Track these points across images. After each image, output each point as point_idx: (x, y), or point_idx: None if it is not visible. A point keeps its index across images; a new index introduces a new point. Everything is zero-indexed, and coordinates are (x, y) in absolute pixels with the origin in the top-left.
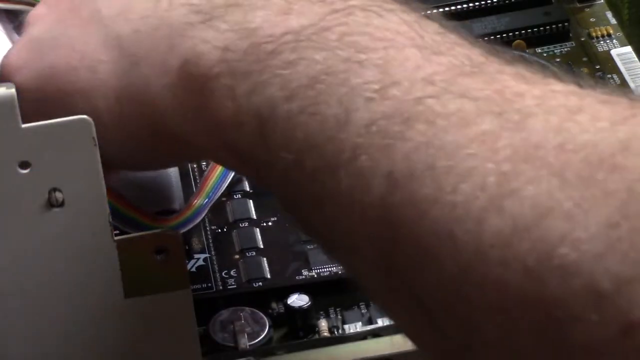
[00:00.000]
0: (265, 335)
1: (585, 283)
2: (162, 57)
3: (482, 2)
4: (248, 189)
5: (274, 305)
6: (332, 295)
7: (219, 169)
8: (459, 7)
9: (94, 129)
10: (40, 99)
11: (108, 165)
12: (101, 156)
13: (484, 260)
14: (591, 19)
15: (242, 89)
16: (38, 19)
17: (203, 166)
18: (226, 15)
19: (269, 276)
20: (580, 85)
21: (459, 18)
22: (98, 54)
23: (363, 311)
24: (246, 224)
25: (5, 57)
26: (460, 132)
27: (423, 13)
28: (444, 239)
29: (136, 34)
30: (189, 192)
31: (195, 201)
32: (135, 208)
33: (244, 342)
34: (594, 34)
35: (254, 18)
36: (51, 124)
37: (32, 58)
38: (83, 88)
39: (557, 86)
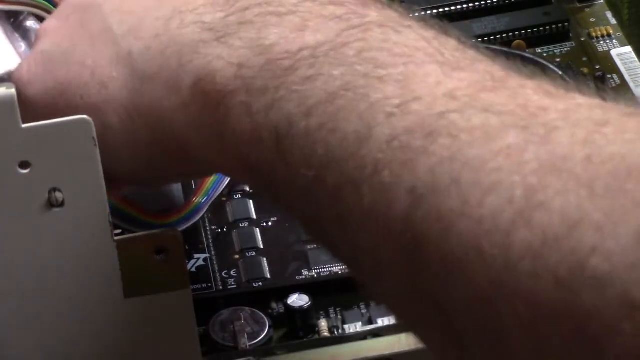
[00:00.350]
0: (265, 335)
1: (618, 294)
2: (173, 74)
3: (482, 2)
4: (248, 189)
5: (274, 305)
6: (332, 295)
7: None
8: (459, 7)
9: (94, 129)
10: (52, 113)
11: (117, 180)
12: (111, 171)
13: (514, 273)
14: (591, 19)
15: (259, 105)
16: (49, 32)
17: None
18: (239, 32)
19: (269, 276)
20: (604, 99)
21: (459, 18)
22: (109, 70)
23: (363, 311)
24: (246, 224)
25: (17, 70)
26: (485, 146)
27: (440, 28)
28: (472, 253)
29: (147, 51)
30: (189, 192)
31: (195, 199)
32: (133, 205)
33: (244, 342)
34: (594, 34)
35: (268, 35)
36: (51, 124)
37: (43, 72)
38: (94, 104)
39: (581, 100)
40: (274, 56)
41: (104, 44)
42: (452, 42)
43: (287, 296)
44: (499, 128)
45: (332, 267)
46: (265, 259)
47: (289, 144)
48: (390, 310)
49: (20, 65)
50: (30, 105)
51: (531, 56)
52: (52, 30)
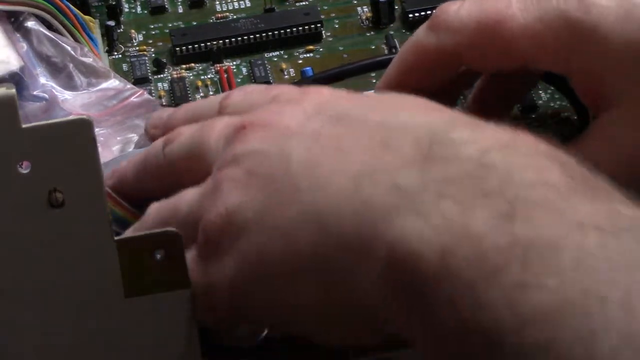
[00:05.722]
0: (266, 336)
1: None
2: (365, 242)
3: None
4: None
5: None
6: None
7: None
8: None
9: (93, 129)
10: (249, 284)
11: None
12: (299, 331)
13: None
14: None
15: (465, 302)
16: (235, 183)
17: None
18: (440, 207)
19: None
20: None
21: None
22: (300, 234)
23: None
24: None
25: (206, 226)
26: None
27: None
28: None
29: (337, 214)
30: None
31: None
32: (129, 210)
33: (244, 342)
34: None
35: (473, 220)
36: (51, 124)
37: (239, 239)
38: (288, 272)
39: None
40: (482, 249)
41: (292, 203)
42: None
43: None
44: None
45: None
46: None
47: (501, 356)
48: None
49: (208, 223)
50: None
51: None
52: (239, 183)
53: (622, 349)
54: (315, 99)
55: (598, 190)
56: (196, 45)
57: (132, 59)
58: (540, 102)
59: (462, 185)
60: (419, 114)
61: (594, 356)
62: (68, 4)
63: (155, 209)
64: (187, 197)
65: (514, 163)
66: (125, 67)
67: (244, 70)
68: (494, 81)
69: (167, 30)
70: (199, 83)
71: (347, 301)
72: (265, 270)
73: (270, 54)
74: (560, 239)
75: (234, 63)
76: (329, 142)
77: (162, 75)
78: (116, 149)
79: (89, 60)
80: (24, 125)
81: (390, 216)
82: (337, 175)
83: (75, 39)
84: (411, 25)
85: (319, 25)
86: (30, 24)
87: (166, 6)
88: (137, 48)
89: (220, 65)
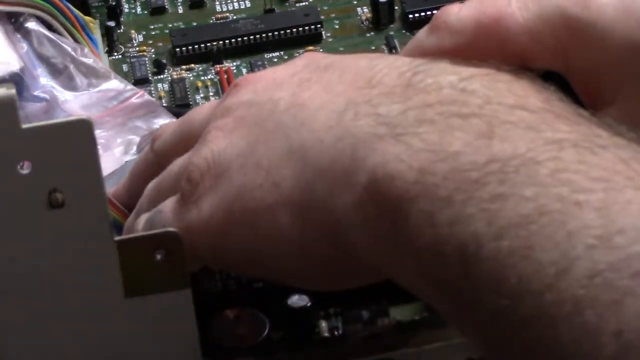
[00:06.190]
0: (265, 336)
1: None
2: (347, 170)
3: None
4: None
5: (274, 305)
6: (332, 295)
7: None
8: None
9: (93, 129)
10: (227, 222)
11: (283, 283)
12: (283, 278)
13: None
14: None
15: (442, 217)
16: (223, 131)
17: None
18: (419, 131)
19: None
20: None
21: None
22: (282, 167)
23: (363, 311)
24: None
25: (190, 169)
26: None
27: (636, 147)
28: None
29: (319, 144)
30: None
31: None
32: (127, 215)
33: (244, 342)
34: None
35: (453, 140)
36: (51, 125)
37: (221, 179)
38: (268, 205)
39: None
40: (459, 166)
41: (276, 140)
42: None
43: (287, 296)
44: None
45: None
46: None
47: (477, 265)
48: None
49: (191, 163)
50: (202, 213)
51: None
52: (228, 131)
53: (597, 247)
54: (306, 56)
55: (577, 117)
56: (196, 46)
57: (132, 60)
58: None
59: (442, 109)
60: (404, 58)
61: (569, 257)
62: (68, 4)
63: (150, 183)
64: (179, 160)
65: (494, 89)
66: (125, 67)
67: (244, 71)
68: None
69: (167, 31)
70: (199, 84)
71: (325, 228)
72: (244, 206)
73: (271, 55)
74: (537, 154)
75: (234, 64)
76: (316, 86)
77: (162, 76)
78: (118, 151)
79: (89, 60)
80: (24, 126)
81: (370, 143)
82: (322, 111)
83: (76, 40)
84: (411, 26)
85: (318, 26)
86: (31, 24)
87: (166, 7)
88: (137, 49)
89: (221, 66)
